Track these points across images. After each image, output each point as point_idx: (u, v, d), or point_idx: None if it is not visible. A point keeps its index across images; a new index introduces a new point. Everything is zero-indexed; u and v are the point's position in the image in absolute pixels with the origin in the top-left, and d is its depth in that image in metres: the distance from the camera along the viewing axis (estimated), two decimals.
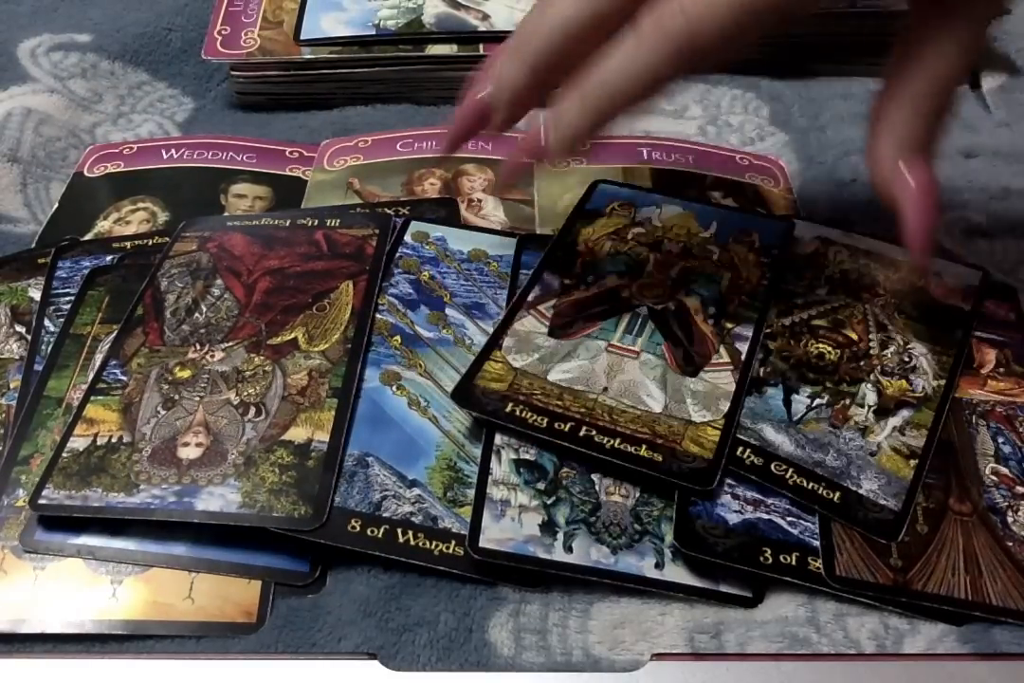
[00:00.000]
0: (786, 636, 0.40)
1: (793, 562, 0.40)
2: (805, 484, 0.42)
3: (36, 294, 0.51)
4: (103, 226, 0.57)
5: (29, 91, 0.65)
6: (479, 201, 0.58)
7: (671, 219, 0.53)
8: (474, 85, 0.43)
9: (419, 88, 0.67)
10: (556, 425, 0.42)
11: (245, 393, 0.45)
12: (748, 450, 0.43)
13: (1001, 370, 0.48)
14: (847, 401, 0.45)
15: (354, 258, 0.51)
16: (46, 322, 0.49)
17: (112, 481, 0.42)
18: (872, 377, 0.46)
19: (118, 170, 0.61)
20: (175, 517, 0.41)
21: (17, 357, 0.48)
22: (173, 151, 0.63)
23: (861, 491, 0.42)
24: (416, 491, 0.42)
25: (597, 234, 0.52)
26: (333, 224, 0.53)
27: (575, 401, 0.43)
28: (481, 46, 0.65)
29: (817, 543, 0.41)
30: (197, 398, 0.45)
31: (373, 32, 0.66)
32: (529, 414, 0.42)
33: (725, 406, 0.43)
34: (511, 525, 0.40)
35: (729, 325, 0.47)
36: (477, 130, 0.44)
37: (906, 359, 0.47)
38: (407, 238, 0.53)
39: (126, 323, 0.48)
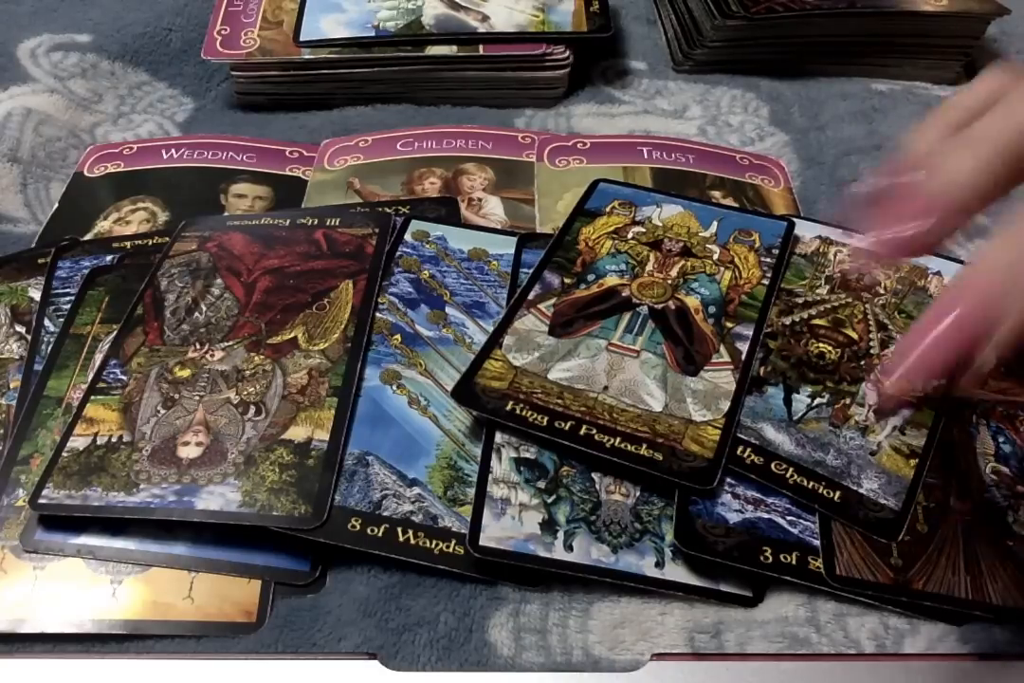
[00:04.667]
0: (786, 636, 0.40)
1: (793, 561, 0.40)
2: (805, 483, 0.42)
3: (36, 294, 0.51)
4: (103, 226, 0.57)
5: (29, 91, 0.65)
6: (479, 200, 0.58)
7: (671, 218, 0.53)
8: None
9: (419, 88, 0.67)
10: (556, 424, 0.42)
11: (245, 392, 0.45)
12: (748, 449, 0.43)
13: (1001, 370, 0.48)
14: (847, 400, 0.45)
15: (354, 257, 0.51)
16: (46, 322, 0.49)
17: (112, 480, 0.42)
18: (872, 376, 0.46)
19: (118, 170, 0.61)
20: (175, 516, 0.40)
21: (17, 357, 0.48)
22: (173, 151, 0.63)
23: (861, 490, 0.42)
24: (416, 490, 0.42)
25: (597, 233, 0.52)
26: (333, 223, 0.54)
27: (575, 400, 0.43)
28: (481, 47, 0.65)
29: (817, 542, 0.41)
30: (197, 397, 0.45)
31: (373, 33, 0.66)
32: (529, 413, 0.42)
33: (725, 405, 0.43)
34: (511, 523, 0.40)
35: (729, 324, 0.47)
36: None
37: None
38: (407, 237, 0.53)
39: (126, 323, 0.48)
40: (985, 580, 0.40)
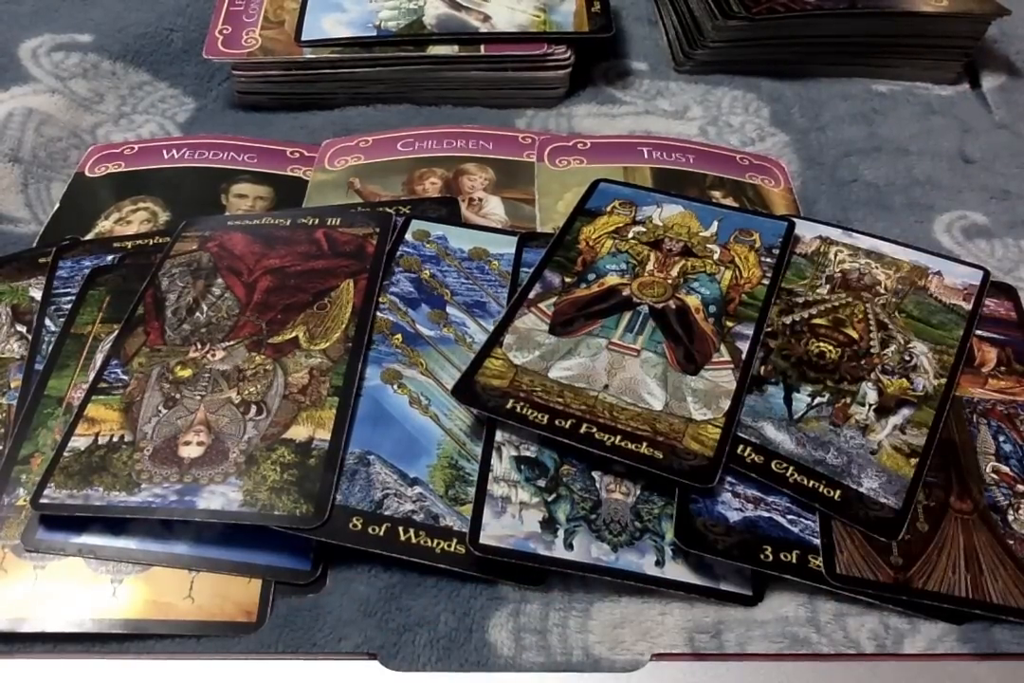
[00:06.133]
0: (786, 636, 0.40)
1: (793, 560, 0.40)
2: (805, 482, 0.42)
3: (37, 294, 0.51)
4: (104, 226, 0.57)
5: (30, 91, 0.65)
6: (480, 200, 0.58)
7: (672, 218, 0.53)
8: None
9: (420, 88, 0.67)
10: (557, 422, 0.42)
11: (246, 392, 0.45)
12: (749, 448, 0.43)
13: (1002, 369, 0.48)
14: (848, 399, 0.45)
15: (355, 257, 0.51)
16: (47, 321, 0.49)
17: (113, 480, 0.42)
18: (873, 376, 0.46)
19: (119, 170, 0.62)
20: (176, 516, 0.41)
21: (18, 356, 0.48)
22: (174, 151, 0.63)
23: (862, 489, 0.42)
24: (417, 489, 0.42)
25: (598, 232, 0.52)
26: (334, 223, 0.54)
27: (576, 398, 0.43)
28: (482, 47, 0.65)
29: (817, 541, 0.41)
30: (198, 397, 0.45)
31: (374, 33, 0.66)
32: (530, 411, 0.42)
33: (726, 404, 0.43)
34: (512, 522, 0.40)
35: (730, 324, 0.47)
36: None
37: (907, 358, 0.47)
38: (408, 237, 0.53)
39: (127, 322, 0.48)
40: (985, 579, 0.40)
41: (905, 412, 0.45)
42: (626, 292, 0.48)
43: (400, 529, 0.41)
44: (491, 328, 0.47)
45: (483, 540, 0.40)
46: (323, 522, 0.40)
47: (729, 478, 0.42)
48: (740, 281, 0.49)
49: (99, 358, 0.47)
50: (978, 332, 0.49)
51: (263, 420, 0.44)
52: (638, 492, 0.42)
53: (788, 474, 0.42)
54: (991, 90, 0.69)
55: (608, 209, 0.53)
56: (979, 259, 0.56)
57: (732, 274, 0.50)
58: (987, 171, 0.62)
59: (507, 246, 0.53)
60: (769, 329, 0.48)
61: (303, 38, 0.65)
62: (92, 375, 0.46)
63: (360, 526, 0.41)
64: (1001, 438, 0.45)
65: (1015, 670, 0.39)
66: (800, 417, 0.44)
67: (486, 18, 0.67)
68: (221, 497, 0.41)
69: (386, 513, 0.41)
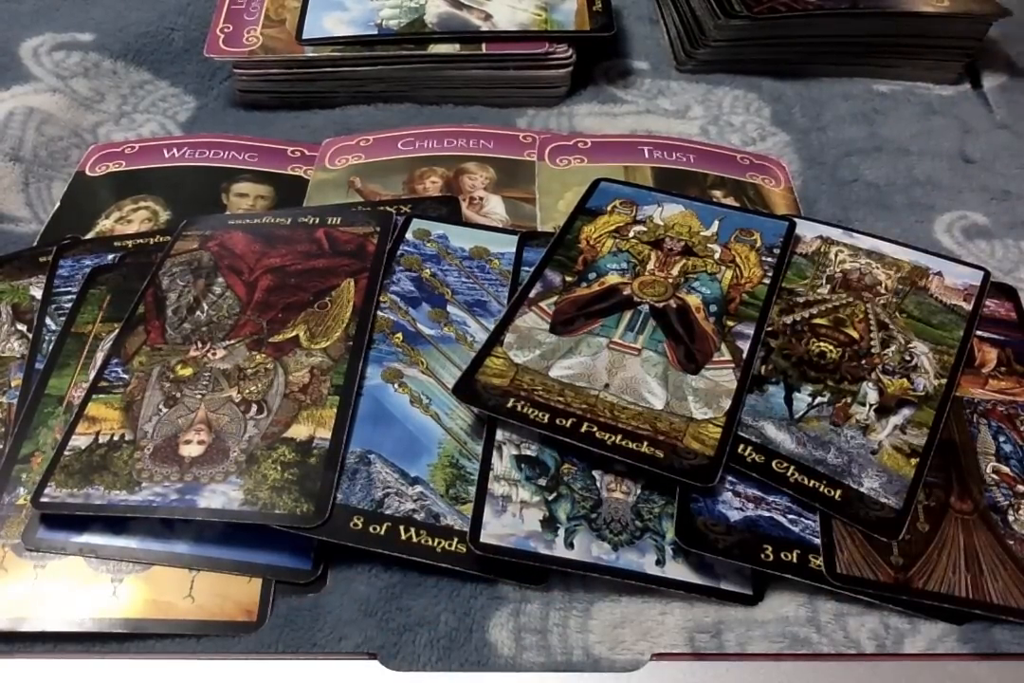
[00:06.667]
0: (786, 636, 0.40)
1: (794, 559, 0.40)
2: (806, 482, 0.42)
3: (37, 293, 0.51)
4: (105, 225, 0.57)
5: (31, 90, 0.65)
6: (480, 199, 0.58)
7: (672, 217, 0.53)
8: None
9: (421, 87, 0.67)
10: (557, 421, 0.42)
11: (247, 391, 0.45)
12: (749, 447, 0.43)
13: (1002, 369, 0.48)
14: (848, 399, 0.45)
15: (355, 256, 0.51)
16: (47, 320, 0.49)
17: (114, 479, 0.42)
18: (873, 376, 0.46)
19: (120, 169, 0.62)
20: (177, 515, 0.40)
21: (18, 355, 0.48)
22: (175, 150, 0.63)
23: (862, 489, 0.42)
24: (418, 488, 0.42)
25: (598, 232, 0.52)
26: (334, 222, 0.54)
27: (576, 397, 0.43)
28: (483, 45, 0.65)
29: (818, 541, 0.41)
30: (199, 396, 0.45)
31: (375, 32, 0.66)
32: (530, 410, 0.42)
33: (726, 404, 0.43)
34: (512, 521, 0.40)
35: (730, 323, 0.47)
36: None
37: (907, 358, 0.47)
38: (408, 236, 0.53)
39: (127, 321, 0.48)
40: (986, 579, 0.40)
41: (905, 412, 0.45)
42: (627, 291, 0.48)
43: (401, 528, 0.41)
44: (492, 327, 0.47)
45: (484, 539, 0.40)
46: (324, 521, 0.40)
47: (730, 477, 0.42)
48: (741, 280, 0.49)
49: (100, 357, 0.47)
50: (978, 333, 0.49)
51: (264, 419, 0.44)
52: (639, 491, 0.42)
53: (789, 474, 0.42)
54: (992, 90, 0.69)
55: (609, 208, 0.53)
56: (979, 259, 0.56)
57: (733, 273, 0.50)
58: (987, 171, 0.62)
59: (508, 245, 0.53)
60: (770, 329, 0.48)
61: (304, 37, 0.65)
62: (93, 374, 0.46)
63: (361, 525, 0.41)
64: (1001, 438, 0.45)
65: (1015, 670, 0.39)
66: (801, 417, 0.44)
67: (487, 17, 0.67)
68: (222, 496, 0.41)
69: (387, 512, 0.41)
